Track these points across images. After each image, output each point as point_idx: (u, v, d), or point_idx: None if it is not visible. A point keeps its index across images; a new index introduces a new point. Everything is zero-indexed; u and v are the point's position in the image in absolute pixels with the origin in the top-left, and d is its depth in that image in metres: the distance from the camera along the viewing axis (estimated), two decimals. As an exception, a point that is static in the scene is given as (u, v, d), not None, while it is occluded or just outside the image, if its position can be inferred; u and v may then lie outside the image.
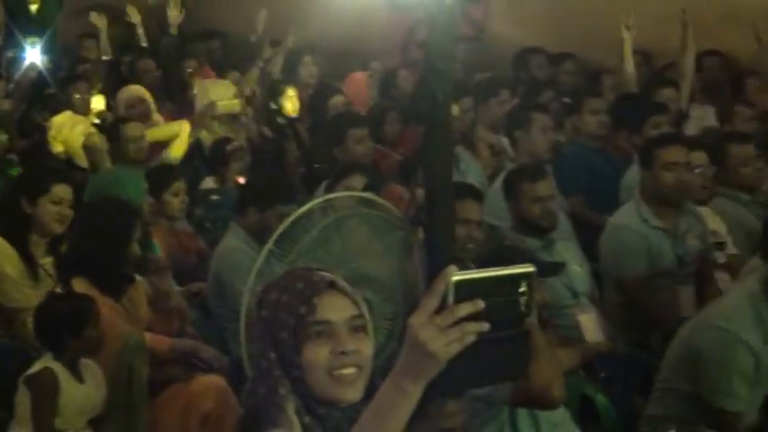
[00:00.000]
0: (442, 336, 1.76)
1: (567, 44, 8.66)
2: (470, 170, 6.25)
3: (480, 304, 1.76)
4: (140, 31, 9.32)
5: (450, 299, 1.77)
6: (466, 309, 1.76)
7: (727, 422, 3.97)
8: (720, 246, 5.27)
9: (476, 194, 4.65)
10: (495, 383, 1.92)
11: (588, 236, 5.69)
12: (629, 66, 7.11)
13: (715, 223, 5.31)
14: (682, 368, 4.06)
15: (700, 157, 5.43)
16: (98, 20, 9.15)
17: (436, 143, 3.61)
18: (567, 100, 7.44)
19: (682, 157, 5.19)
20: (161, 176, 5.61)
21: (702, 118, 7.38)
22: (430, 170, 3.69)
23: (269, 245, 3.48)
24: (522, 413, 3.75)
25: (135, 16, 9.34)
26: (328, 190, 5.05)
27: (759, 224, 4.78)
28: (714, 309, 4.14)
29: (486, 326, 1.76)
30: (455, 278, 1.77)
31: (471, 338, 1.76)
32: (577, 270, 5.01)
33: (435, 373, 1.80)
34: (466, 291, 1.77)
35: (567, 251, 5.09)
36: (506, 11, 9.08)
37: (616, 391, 4.62)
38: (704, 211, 5.25)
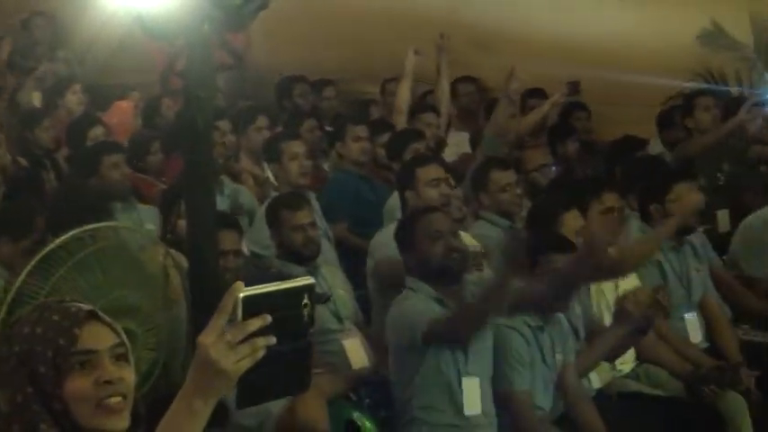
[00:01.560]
0: (233, 353, 1.78)
1: (328, 71, 8.77)
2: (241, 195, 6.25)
3: (268, 318, 1.78)
4: None
5: (239, 315, 1.78)
6: (255, 324, 1.78)
7: None
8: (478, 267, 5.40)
9: (231, 223, 4.67)
10: (283, 397, 1.93)
11: (353, 261, 5.76)
12: (405, 91, 7.19)
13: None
14: None
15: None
16: None
17: (197, 171, 3.59)
18: (329, 128, 7.50)
19: (441, 173, 5.38)
20: None
21: (459, 144, 7.56)
22: (191, 199, 3.66)
23: (21, 277, 3.36)
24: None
25: None
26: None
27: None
28: None
29: (273, 339, 1.79)
30: (242, 294, 1.78)
31: (261, 353, 1.78)
32: (342, 295, 5.05)
33: (226, 391, 1.80)
34: (253, 306, 1.78)
35: (332, 276, 5.12)
36: (267, 39, 9.11)
37: (381, 415, 4.66)
38: (463, 235, 5.37)
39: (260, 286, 1.80)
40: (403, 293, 4.43)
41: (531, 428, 4.40)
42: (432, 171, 5.39)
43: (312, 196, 5.78)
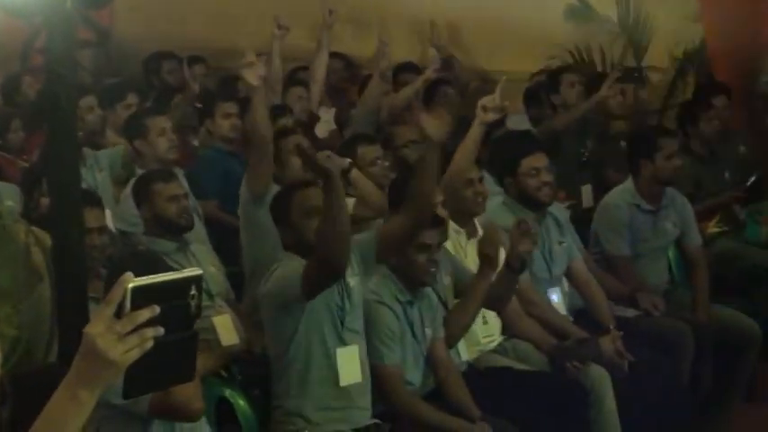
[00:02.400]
0: (122, 343, 1.78)
1: (196, 47, 8.68)
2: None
3: (157, 309, 1.79)
4: None
5: (128, 305, 1.79)
6: (144, 315, 1.78)
7: None
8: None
9: (93, 201, 4.62)
10: (170, 386, 1.95)
11: (223, 238, 5.74)
12: (277, 66, 7.14)
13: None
14: None
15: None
16: None
17: (61, 148, 3.53)
18: (198, 105, 7.43)
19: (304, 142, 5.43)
20: None
21: (329, 121, 7.56)
22: (55, 177, 3.61)
23: None
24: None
25: None
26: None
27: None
28: None
29: (161, 330, 1.80)
30: (131, 285, 1.79)
31: (150, 344, 1.79)
32: (213, 272, 5.04)
33: (113, 381, 1.80)
34: (141, 296, 1.80)
35: (202, 253, 5.12)
36: (133, 14, 8.98)
37: (254, 393, 4.66)
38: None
39: (149, 277, 1.82)
40: (275, 266, 4.39)
41: (402, 403, 4.42)
42: (292, 141, 5.45)
43: (180, 173, 5.74)
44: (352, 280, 4.37)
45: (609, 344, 5.03)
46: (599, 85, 7.00)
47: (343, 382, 4.30)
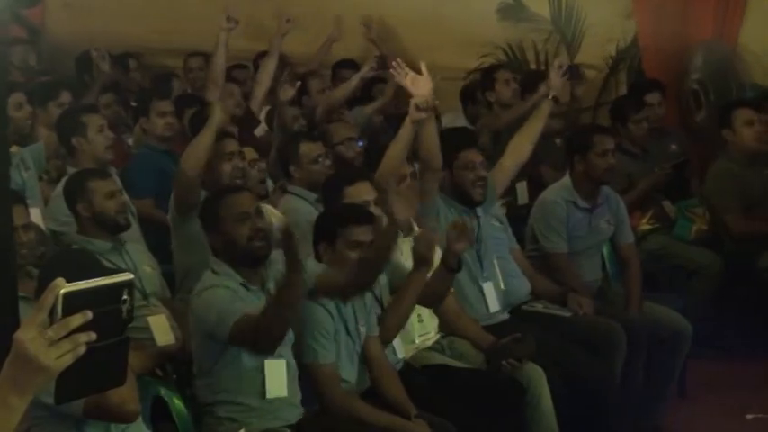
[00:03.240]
0: (54, 349, 1.77)
1: (129, 45, 8.64)
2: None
3: (89, 315, 1.79)
4: None
5: (60, 311, 1.78)
6: (77, 320, 1.78)
7: None
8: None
9: (17, 198, 4.59)
10: (101, 391, 1.96)
11: (159, 237, 5.70)
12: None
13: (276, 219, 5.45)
14: None
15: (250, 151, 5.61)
16: None
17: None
18: (133, 103, 7.37)
19: (234, 147, 5.46)
20: None
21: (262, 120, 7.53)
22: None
23: None
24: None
25: None
26: None
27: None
28: None
29: (94, 336, 1.80)
30: (63, 290, 1.78)
31: (83, 349, 1.78)
32: (148, 272, 5.00)
33: (44, 387, 1.79)
34: (74, 302, 1.79)
35: (137, 253, 5.08)
36: (66, 12, 8.90)
37: (189, 392, 4.63)
38: (266, 208, 5.37)
39: (81, 282, 1.81)
40: (206, 275, 4.35)
41: (337, 401, 4.40)
42: (225, 145, 5.42)
43: (114, 172, 5.69)
44: None
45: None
46: (533, 82, 7.03)
47: (270, 394, 4.28)
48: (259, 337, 4.11)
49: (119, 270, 4.26)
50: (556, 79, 5.97)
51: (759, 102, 7.17)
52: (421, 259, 4.67)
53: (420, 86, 5.06)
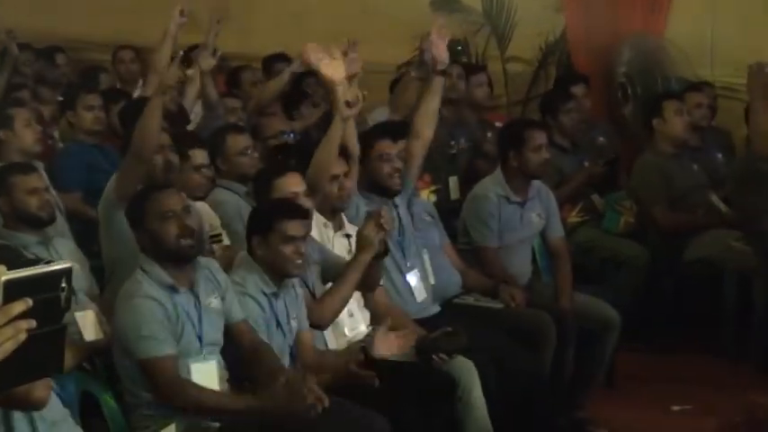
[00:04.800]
0: None
1: (61, 38, 8.56)
2: None
3: (30, 302, 1.80)
4: None
5: (0, 298, 1.79)
6: (18, 307, 1.79)
7: None
8: (216, 238, 5.39)
9: None
10: (38, 378, 1.99)
11: (87, 232, 5.65)
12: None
13: (210, 218, 5.42)
14: None
15: (201, 155, 5.53)
16: None
17: None
18: (60, 98, 7.30)
19: (166, 140, 5.29)
20: None
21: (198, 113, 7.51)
22: None
23: None
24: (18, 414, 3.64)
25: None
26: None
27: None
28: None
29: (34, 323, 1.81)
30: (4, 278, 1.79)
31: (24, 336, 1.79)
32: (76, 267, 4.92)
33: None
34: (14, 290, 1.80)
35: (65, 248, 5.03)
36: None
37: (120, 387, 4.61)
38: (201, 206, 5.34)
39: (21, 270, 1.83)
40: (136, 274, 4.29)
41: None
42: (165, 138, 5.33)
43: (40, 166, 5.63)
44: (215, 301, 4.34)
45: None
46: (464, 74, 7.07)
47: None
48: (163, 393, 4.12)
49: (41, 260, 4.23)
50: (441, 50, 5.69)
51: (681, 94, 7.32)
52: (365, 242, 4.70)
53: (333, 70, 5.05)
